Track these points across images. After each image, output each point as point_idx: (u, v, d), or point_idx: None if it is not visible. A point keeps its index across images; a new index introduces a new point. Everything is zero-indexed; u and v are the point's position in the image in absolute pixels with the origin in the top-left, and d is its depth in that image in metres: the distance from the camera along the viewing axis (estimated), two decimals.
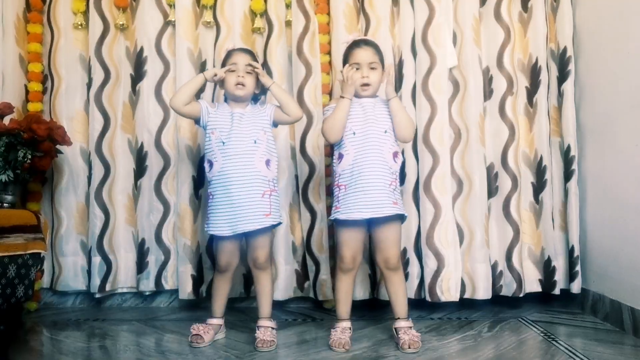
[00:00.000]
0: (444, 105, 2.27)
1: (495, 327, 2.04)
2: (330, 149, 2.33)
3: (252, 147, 1.84)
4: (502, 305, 2.31)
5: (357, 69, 1.84)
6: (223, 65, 1.93)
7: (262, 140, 1.86)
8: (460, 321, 2.15)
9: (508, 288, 2.29)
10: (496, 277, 2.30)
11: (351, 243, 1.84)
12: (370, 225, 1.85)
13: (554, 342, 1.82)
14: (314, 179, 2.30)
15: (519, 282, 2.27)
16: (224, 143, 1.84)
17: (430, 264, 2.24)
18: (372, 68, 1.84)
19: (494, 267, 2.30)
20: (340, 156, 1.86)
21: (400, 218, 1.86)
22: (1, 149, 1.97)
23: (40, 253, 1.89)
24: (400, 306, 1.85)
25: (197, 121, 1.93)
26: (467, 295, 2.26)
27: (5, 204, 2.02)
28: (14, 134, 1.99)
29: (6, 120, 2.06)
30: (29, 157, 2.00)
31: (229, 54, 1.93)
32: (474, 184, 2.29)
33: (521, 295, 2.28)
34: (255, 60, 1.95)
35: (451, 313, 2.26)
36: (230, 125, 1.86)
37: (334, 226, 1.91)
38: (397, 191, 1.86)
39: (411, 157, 2.33)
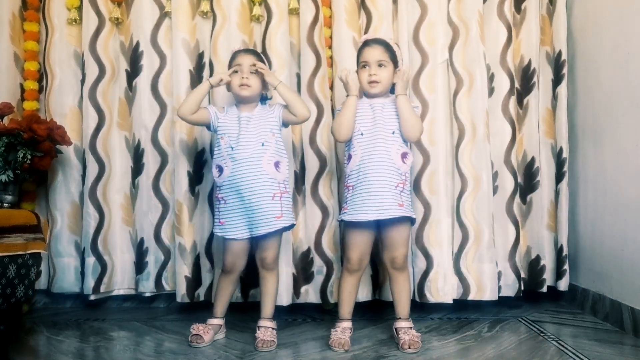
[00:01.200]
0: (434, 104, 2.25)
1: (495, 327, 2.04)
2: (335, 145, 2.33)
3: (260, 150, 1.84)
4: (502, 305, 2.31)
5: (365, 66, 1.85)
6: (229, 68, 1.93)
7: (270, 142, 1.86)
8: (460, 321, 2.14)
9: (510, 289, 2.27)
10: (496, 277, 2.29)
11: (359, 245, 1.85)
12: (378, 225, 1.85)
13: (554, 342, 1.82)
14: (325, 174, 2.25)
15: (520, 281, 2.27)
16: (232, 148, 1.84)
17: (420, 264, 2.23)
18: (381, 65, 1.84)
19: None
20: (350, 157, 1.87)
21: (410, 219, 1.86)
22: (1, 149, 1.97)
23: (40, 253, 1.88)
24: (402, 306, 1.86)
25: (208, 127, 1.94)
26: (471, 297, 2.22)
27: (5, 204, 2.02)
28: (14, 134, 1.99)
29: (6, 120, 2.06)
30: (29, 157, 2.00)
31: (234, 56, 1.94)
32: (481, 182, 2.24)
33: (521, 295, 2.28)
34: (262, 60, 1.94)
35: (451, 313, 2.26)
36: (238, 129, 1.86)
37: (343, 227, 1.91)
38: (406, 193, 1.85)
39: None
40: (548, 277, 2.36)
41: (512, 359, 1.67)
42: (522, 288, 2.30)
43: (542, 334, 1.92)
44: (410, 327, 1.82)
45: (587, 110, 2.30)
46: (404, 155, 1.84)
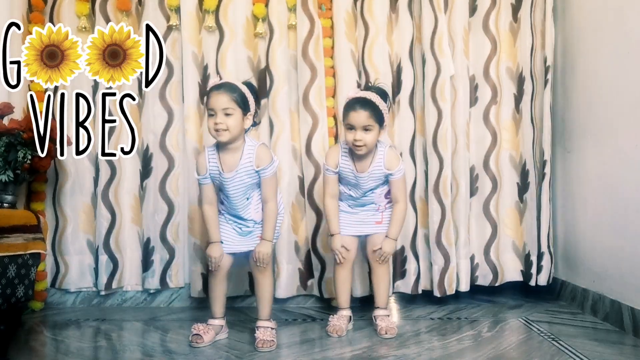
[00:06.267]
0: (447, 112, 2.33)
1: (495, 327, 2.04)
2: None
3: (245, 202, 1.89)
4: (502, 305, 2.32)
5: (350, 128, 1.88)
6: (206, 105, 1.82)
7: (254, 195, 1.90)
8: (460, 321, 2.15)
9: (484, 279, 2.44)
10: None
11: (345, 239, 2.02)
12: None
13: (554, 342, 1.82)
14: (320, 180, 2.33)
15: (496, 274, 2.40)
16: (221, 190, 1.91)
17: (439, 261, 2.34)
18: (367, 130, 1.86)
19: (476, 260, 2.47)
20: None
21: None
22: (1, 149, 1.97)
23: (40, 253, 1.88)
24: (380, 296, 2.03)
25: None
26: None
27: (5, 204, 2.02)
28: (14, 134, 1.99)
29: (6, 120, 2.06)
30: (29, 157, 2.00)
31: (208, 94, 1.80)
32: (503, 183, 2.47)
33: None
34: (239, 96, 1.77)
35: (451, 313, 2.26)
36: (222, 185, 1.88)
37: None
38: (388, 209, 2.03)
39: (409, 164, 2.43)
40: (534, 271, 2.46)
41: (512, 359, 1.67)
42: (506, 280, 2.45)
43: (542, 334, 1.93)
44: (387, 315, 1.99)
45: (587, 110, 2.30)
46: (386, 194, 2.02)
